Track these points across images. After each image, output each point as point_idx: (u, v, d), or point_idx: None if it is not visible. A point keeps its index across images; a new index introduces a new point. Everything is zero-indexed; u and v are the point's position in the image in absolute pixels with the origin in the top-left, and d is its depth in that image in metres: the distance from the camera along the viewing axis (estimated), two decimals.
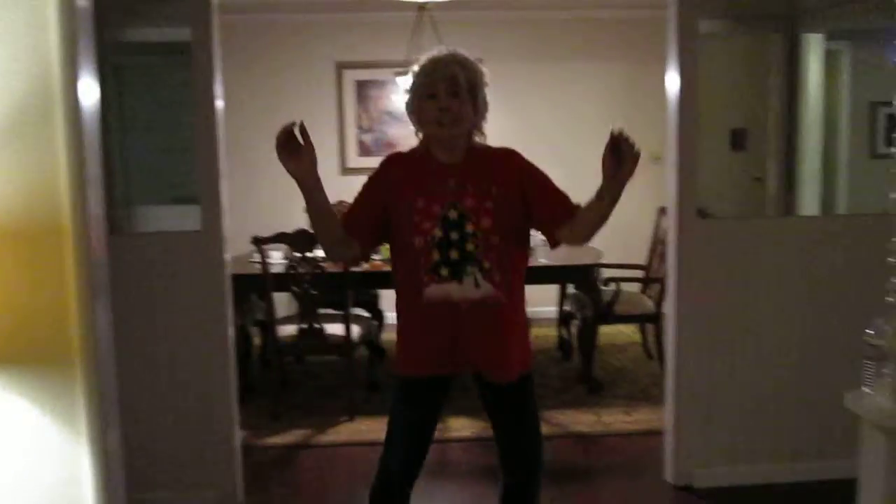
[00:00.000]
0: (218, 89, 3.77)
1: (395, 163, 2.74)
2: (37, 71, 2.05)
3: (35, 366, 2.13)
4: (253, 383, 5.50)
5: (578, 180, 7.94)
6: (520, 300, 2.74)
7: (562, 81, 7.71)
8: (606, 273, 5.77)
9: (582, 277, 5.53)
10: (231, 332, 3.94)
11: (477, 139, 2.70)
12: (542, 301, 6.90)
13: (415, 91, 2.62)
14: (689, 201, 3.88)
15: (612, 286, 5.58)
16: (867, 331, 2.39)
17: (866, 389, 2.38)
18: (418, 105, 2.61)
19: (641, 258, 6.14)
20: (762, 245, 3.97)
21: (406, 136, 7.41)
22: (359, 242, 2.70)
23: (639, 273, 6.04)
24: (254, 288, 5.27)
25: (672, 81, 3.87)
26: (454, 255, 2.57)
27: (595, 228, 2.58)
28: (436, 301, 2.60)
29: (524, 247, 2.75)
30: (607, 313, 5.55)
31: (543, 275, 5.54)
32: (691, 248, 3.90)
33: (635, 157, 2.43)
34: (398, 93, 7.23)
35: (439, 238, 2.57)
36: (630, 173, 2.45)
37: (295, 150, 2.58)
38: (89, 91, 2.18)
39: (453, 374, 2.76)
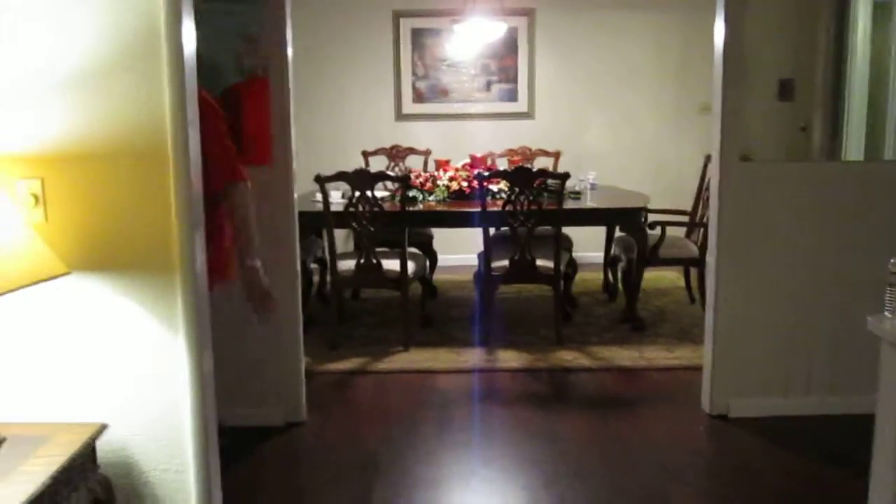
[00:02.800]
0: (289, 36, 4.01)
1: None
2: (145, 11, 2.31)
3: (139, 271, 2.43)
4: (313, 316, 5.81)
5: (630, 125, 8.16)
6: None
7: (615, 30, 7.84)
8: (653, 217, 5.98)
9: (628, 220, 5.72)
10: (298, 265, 4.22)
11: None
12: (589, 246, 7.15)
13: None
14: (732, 146, 4.06)
15: (658, 230, 5.78)
16: (892, 260, 2.60)
17: (887, 314, 2.59)
18: None
19: (688, 205, 6.33)
20: (800, 188, 4.14)
21: (457, 84, 7.69)
22: None
23: (684, 218, 6.23)
24: (315, 225, 5.56)
25: (719, 30, 4.04)
26: None
27: None
28: None
29: None
30: (652, 256, 5.75)
31: (592, 217, 5.80)
32: (733, 191, 4.09)
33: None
34: (453, 41, 7.44)
35: None
36: None
37: None
38: (190, 35, 2.44)
39: None
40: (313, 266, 6.15)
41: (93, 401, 2.48)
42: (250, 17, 4.18)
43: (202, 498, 2.53)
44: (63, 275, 2.32)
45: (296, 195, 4.18)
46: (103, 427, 2.42)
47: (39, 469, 2.14)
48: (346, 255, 5.63)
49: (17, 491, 2.02)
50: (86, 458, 2.35)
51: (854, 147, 5.74)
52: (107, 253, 2.42)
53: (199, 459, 2.51)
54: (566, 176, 5.25)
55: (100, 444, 2.43)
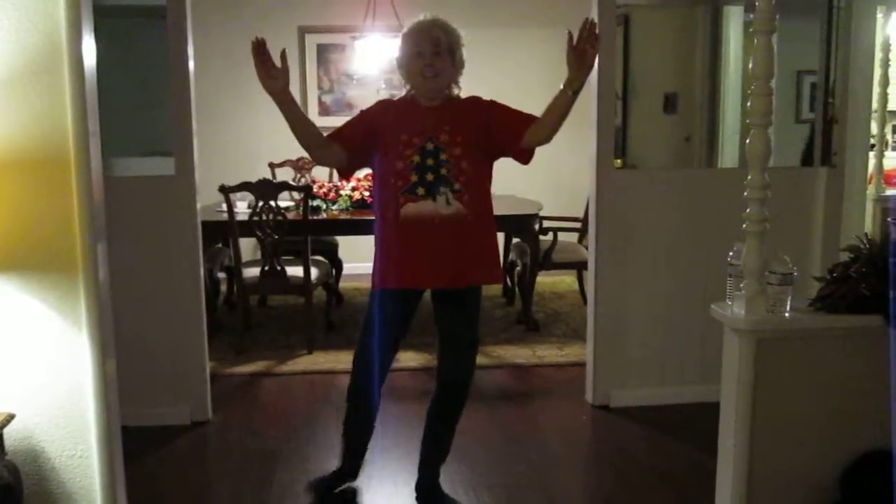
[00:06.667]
0: (190, 51, 4.20)
1: (386, 105, 3.38)
2: (46, 29, 2.50)
3: (44, 272, 2.62)
4: (220, 323, 5.98)
5: None
6: (485, 219, 3.30)
7: (511, 45, 8.16)
8: (547, 224, 6.30)
9: (521, 226, 6.03)
10: (202, 272, 4.40)
11: (455, 91, 3.30)
12: None
13: (405, 50, 3.20)
14: (607, 155, 4.40)
15: (550, 235, 6.10)
16: (730, 253, 2.92)
17: (728, 301, 2.92)
18: (407, 61, 3.19)
19: (580, 212, 6.67)
20: (674, 193, 4.48)
21: (363, 97, 7.93)
22: (343, 148, 3.26)
23: (577, 225, 6.56)
24: (221, 235, 5.73)
25: None
26: (430, 177, 3.12)
27: (558, 123, 3.12)
28: (411, 218, 3.13)
29: (488, 174, 3.33)
30: (545, 260, 6.07)
31: None
32: (609, 197, 4.41)
33: (596, 48, 2.98)
34: (357, 56, 7.69)
35: (417, 163, 3.12)
36: (593, 60, 3.02)
37: (272, 71, 3.15)
38: (90, 50, 2.63)
39: (422, 289, 3.31)
40: (221, 275, 6.31)
41: (0, 392, 2.65)
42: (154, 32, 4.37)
43: (106, 481, 2.72)
44: None
45: (200, 205, 4.36)
46: (10, 416, 2.59)
47: None
48: (252, 263, 5.81)
49: None
50: None
51: (729, 155, 6.15)
52: (11, 255, 2.59)
53: (103, 445, 2.70)
54: None
55: (7, 433, 2.60)
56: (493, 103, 3.30)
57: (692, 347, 4.52)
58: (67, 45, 2.52)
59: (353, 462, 3.57)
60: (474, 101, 3.32)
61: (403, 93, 3.33)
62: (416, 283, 3.26)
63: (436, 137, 3.15)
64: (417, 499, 3.51)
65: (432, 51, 3.13)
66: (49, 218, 2.60)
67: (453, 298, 3.29)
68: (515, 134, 3.20)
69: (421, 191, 3.12)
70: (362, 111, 3.34)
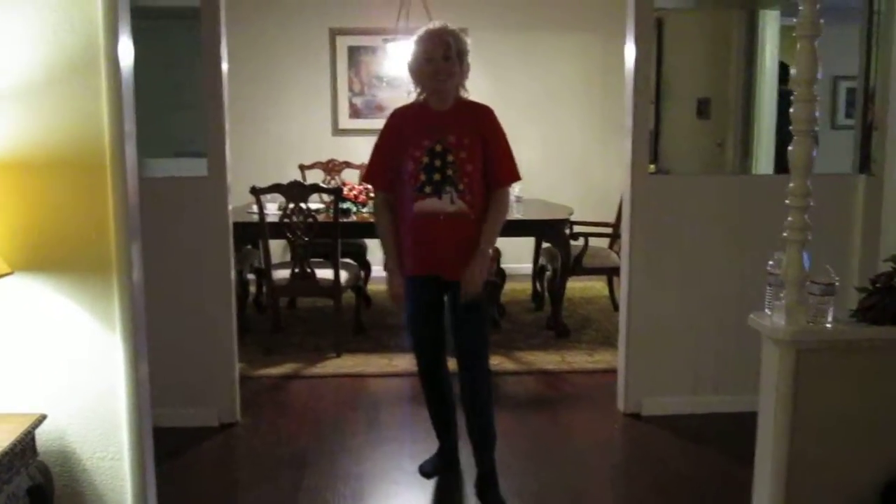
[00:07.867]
0: (223, 52, 4.19)
1: (399, 113, 3.56)
2: (84, 30, 2.50)
3: (78, 272, 2.61)
4: (249, 324, 5.97)
5: (559, 141, 8.36)
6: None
7: (544, 50, 8.12)
8: (577, 229, 6.25)
9: (552, 231, 5.99)
10: (233, 273, 4.39)
11: (462, 93, 3.48)
12: (519, 258, 7.41)
13: (416, 55, 3.38)
14: (641, 160, 4.34)
15: (581, 241, 6.05)
16: (769, 262, 2.87)
17: (767, 311, 2.86)
18: (419, 67, 3.37)
19: (611, 217, 6.61)
20: (709, 199, 4.41)
21: (394, 99, 7.91)
22: (387, 191, 3.54)
23: (607, 230, 6.51)
24: (251, 236, 5.72)
25: (629, 51, 4.31)
26: (436, 177, 3.35)
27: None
28: (420, 214, 3.38)
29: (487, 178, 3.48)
30: (576, 266, 6.03)
31: (519, 227, 6.02)
32: (643, 202, 4.36)
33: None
34: (388, 58, 7.68)
35: (426, 164, 3.35)
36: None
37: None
38: (127, 51, 2.63)
39: (438, 275, 3.46)
40: (250, 276, 6.31)
41: (34, 392, 2.65)
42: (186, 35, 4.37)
43: (137, 483, 2.71)
44: (6, 275, 2.49)
45: (231, 206, 4.35)
46: (43, 417, 2.59)
47: None
48: (281, 265, 5.81)
49: None
50: (26, 446, 2.51)
51: (764, 161, 6.07)
52: (47, 255, 2.59)
53: (134, 447, 2.69)
54: None
55: (39, 433, 2.60)
56: (496, 132, 3.47)
57: (726, 356, 4.45)
58: (105, 46, 2.52)
59: (442, 442, 3.84)
60: (485, 114, 3.48)
61: (415, 97, 3.50)
62: (423, 270, 3.47)
63: (444, 140, 3.36)
64: (478, 495, 3.57)
65: (443, 55, 3.32)
66: (84, 218, 2.60)
67: (456, 290, 3.42)
68: (490, 181, 3.46)
69: (428, 189, 3.36)
70: (382, 132, 3.55)
